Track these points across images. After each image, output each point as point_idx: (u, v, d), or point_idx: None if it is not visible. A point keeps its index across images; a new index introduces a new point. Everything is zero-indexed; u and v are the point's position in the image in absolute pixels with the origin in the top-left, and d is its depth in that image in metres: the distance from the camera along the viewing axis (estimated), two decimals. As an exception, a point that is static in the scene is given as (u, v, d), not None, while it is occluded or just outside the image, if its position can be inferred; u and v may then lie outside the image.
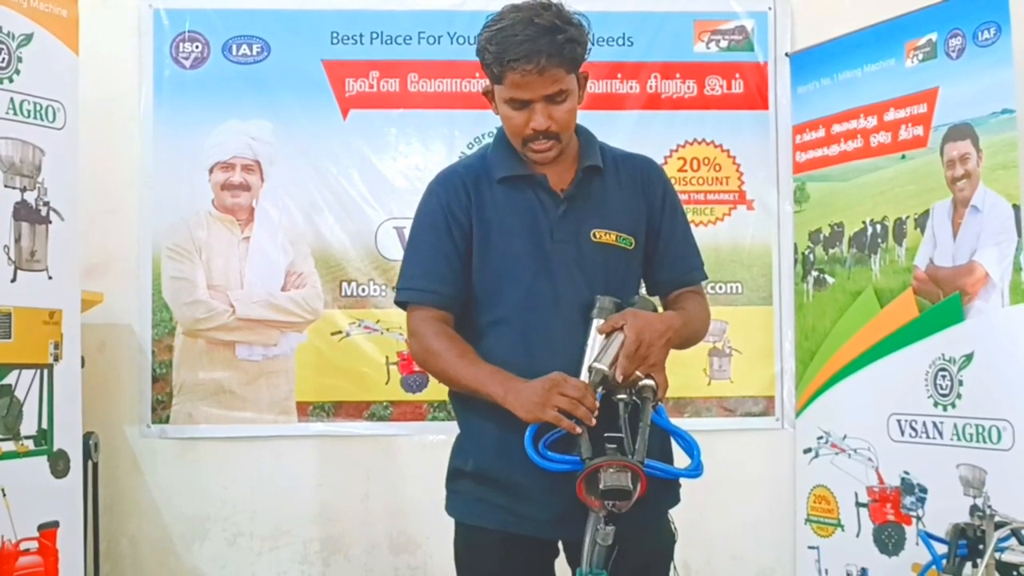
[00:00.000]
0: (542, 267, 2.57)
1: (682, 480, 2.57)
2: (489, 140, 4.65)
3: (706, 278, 2.81)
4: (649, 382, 2.40)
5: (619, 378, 2.38)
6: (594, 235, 2.59)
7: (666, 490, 2.55)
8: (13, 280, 3.51)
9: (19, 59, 3.53)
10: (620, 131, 4.57)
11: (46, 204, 3.59)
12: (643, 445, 2.29)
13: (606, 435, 2.32)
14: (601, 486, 2.24)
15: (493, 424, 2.51)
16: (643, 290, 2.78)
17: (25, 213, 3.55)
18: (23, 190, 3.54)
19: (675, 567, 2.65)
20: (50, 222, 3.61)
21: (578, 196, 2.62)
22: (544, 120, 2.50)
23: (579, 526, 2.34)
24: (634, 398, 2.41)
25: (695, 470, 2.35)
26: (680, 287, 2.71)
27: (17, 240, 3.52)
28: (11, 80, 3.50)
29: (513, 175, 2.63)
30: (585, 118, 2.73)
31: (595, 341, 2.44)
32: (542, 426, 2.35)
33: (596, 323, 2.46)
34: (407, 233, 4.59)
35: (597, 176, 2.65)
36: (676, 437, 2.44)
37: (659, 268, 2.70)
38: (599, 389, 2.38)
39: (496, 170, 2.65)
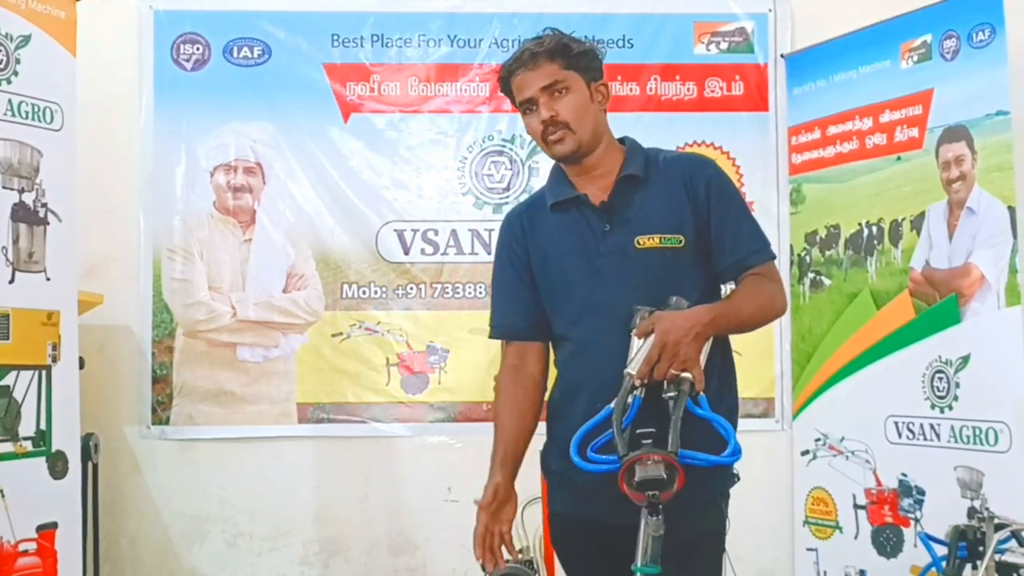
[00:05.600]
0: (594, 281, 2.69)
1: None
2: (489, 143, 4.73)
3: (772, 257, 2.73)
4: (687, 375, 2.44)
5: (644, 380, 2.46)
6: (638, 242, 2.65)
7: (711, 477, 2.54)
8: (11, 281, 3.52)
9: (17, 60, 3.54)
10: (619, 133, 4.54)
11: (44, 205, 3.61)
12: (676, 437, 2.35)
13: (638, 431, 2.39)
14: (636, 479, 2.32)
15: (563, 426, 2.64)
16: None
17: (23, 214, 3.56)
18: (21, 191, 3.55)
19: (729, 559, 2.75)
20: (48, 223, 3.62)
21: (618, 206, 2.70)
22: (547, 110, 2.67)
23: (634, 511, 2.41)
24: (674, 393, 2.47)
25: (731, 455, 2.41)
26: (741, 273, 2.68)
27: (15, 241, 3.53)
28: (9, 82, 3.51)
29: (560, 200, 2.76)
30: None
31: (633, 347, 2.51)
32: (590, 431, 2.47)
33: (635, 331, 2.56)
34: (407, 235, 4.69)
35: (637, 184, 2.70)
36: (715, 424, 2.47)
37: (718, 259, 2.68)
38: (635, 392, 2.46)
39: (548, 198, 2.80)
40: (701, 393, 2.45)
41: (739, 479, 2.72)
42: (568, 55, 2.70)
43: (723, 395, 2.70)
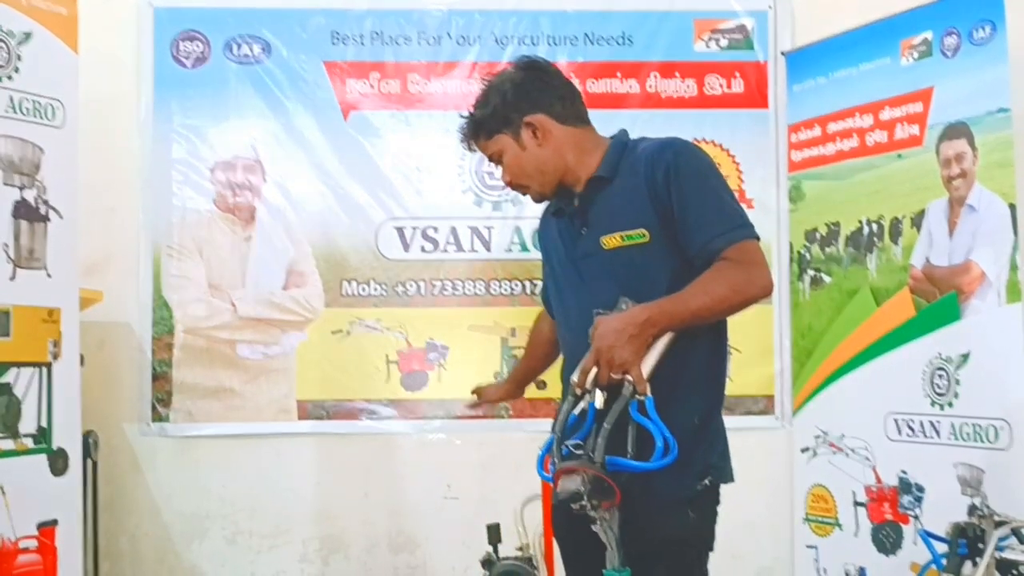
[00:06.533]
0: (577, 284, 2.76)
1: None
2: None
3: (745, 237, 2.56)
4: (628, 377, 2.40)
5: (583, 388, 2.46)
6: (603, 243, 2.66)
7: (669, 481, 2.47)
8: (12, 278, 3.51)
9: (18, 57, 3.53)
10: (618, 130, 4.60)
11: (45, 202, 3.60)
12: (602, 446, 2.33)
13: (570, 443, 2.39)
14: (558, 493, 2.34)
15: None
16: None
17: (24, 211, 3.55)
18: (22, 188, 3.54)
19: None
20: (49, 220, 3.61)
21: (588, 210, 2.74)
22: (502, 175, 2.87)
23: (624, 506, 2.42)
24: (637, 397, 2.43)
25: (655, 461, 2.34)
26: (712, 257, 2.55)
27: (16, 238, 3.52)
28: (10, 78, 3.51)
29: (555, 208, 2.90)
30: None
31: None
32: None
33: None
34: (407, 233, 4.68)
35: (605, 185, 2.72)
36: (649, 429, 2.39)
37: (687, 246, 2.59)
38: (588, 399, 2.44)
39: (551, 204, 2.95)
40: (648, 395, 2.40)
41: (711, 483, 2.64)
42: (483, 128, 2.82)
43: (708, 391, 2.70)
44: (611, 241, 2.65)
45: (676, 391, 2.51)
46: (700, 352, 2.63)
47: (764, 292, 2.58)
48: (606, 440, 2.33)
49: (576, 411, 2.46)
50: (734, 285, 2.52)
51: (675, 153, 2.66)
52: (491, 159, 2.87)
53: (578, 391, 2.46)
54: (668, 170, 2.60)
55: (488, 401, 3.54)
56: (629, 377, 2.41)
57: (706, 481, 2.63)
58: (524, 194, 2.88)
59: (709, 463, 2.64)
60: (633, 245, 2.63)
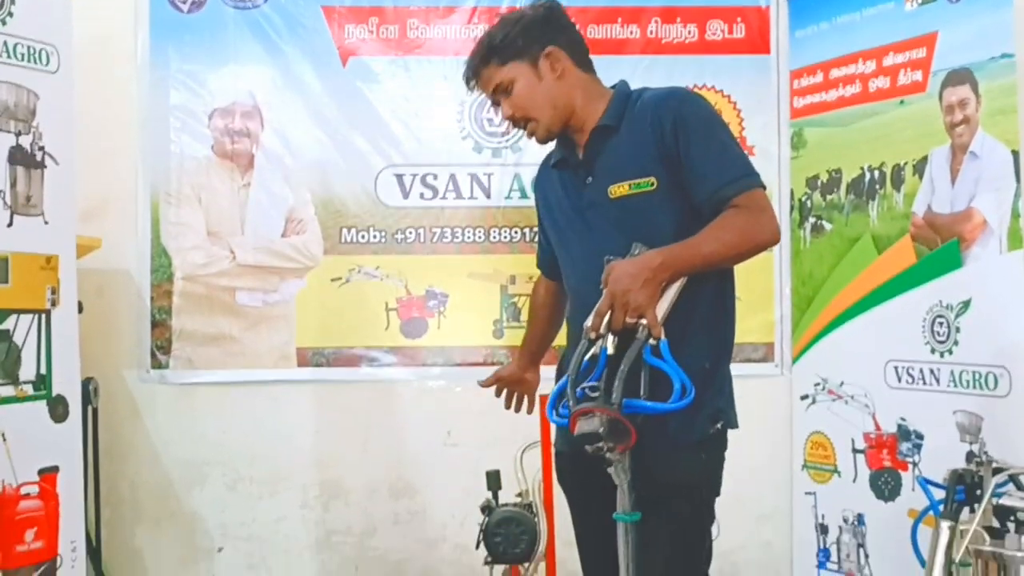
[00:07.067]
0: (583, 233, 2.78)
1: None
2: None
3: (751, 187, 2.60)
4: (643, 321, 2.43)
5: (598, 332, 2.47)
6: (611, 191, 2.68)
7: (681, 424, 2.54)
8: (9, 225, 3.49)
9: (12, 1, 3.50)
10: (619, 77, 4.52)
11: (41, 148, 3.57)
12: (620, 387, 2.35)
13: (585, 385, 2.41)
14: (575, 434, 2.36)
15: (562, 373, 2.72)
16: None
17: (20, 157, 3.52)
18: (18, 134, 3.51)
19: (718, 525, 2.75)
20: (45, 166, 3.59)
21: (594, 159, 2.76)
22: (505, 110, 2.84)
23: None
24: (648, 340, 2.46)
25: (674, 402, 2.36)
26: (719, 206, 2.59)
27: (13, 185, 3.50)
28: (4, 23, 3.47)
29: (556, 160, 2.91)
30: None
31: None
32: (565, 387, 2.48)
33: None
34: (406, 180, 4.65)
35: (611, 134, 2.74)
36: (666, 372, 2.42)
37: (694, 194, 2.63)
38: (600, 344, 2.46)
39: (552, 156, 2.97)
40: (662, 339, 2.42)
41: (721, 427, 2.70)
42: (498, 52, 2.78)
43: (716, 336, 2.74)
44: (619, 190, 2.67)
45: (686, 336, 2.54)
46: (708, 297, 2.67)
47: (773, 239, 2.64)
48: (623, 382, 2.35)
49: (587, 356, 2.48)
50: (744, 232, 2.58)
51: (680, 102, 2.70)
52: (494, 91, 2.83)
53: (592, 335, 2.47)
54: (675, 119, 2.64)
55: (506, 382, 3.46)
56: (644, 321, 2.43)
57: (718, 425, 2.69)
58: (527, 133, 2.85)
59: (718, 407, 2.69)
60: (640, 193, 2.65)
